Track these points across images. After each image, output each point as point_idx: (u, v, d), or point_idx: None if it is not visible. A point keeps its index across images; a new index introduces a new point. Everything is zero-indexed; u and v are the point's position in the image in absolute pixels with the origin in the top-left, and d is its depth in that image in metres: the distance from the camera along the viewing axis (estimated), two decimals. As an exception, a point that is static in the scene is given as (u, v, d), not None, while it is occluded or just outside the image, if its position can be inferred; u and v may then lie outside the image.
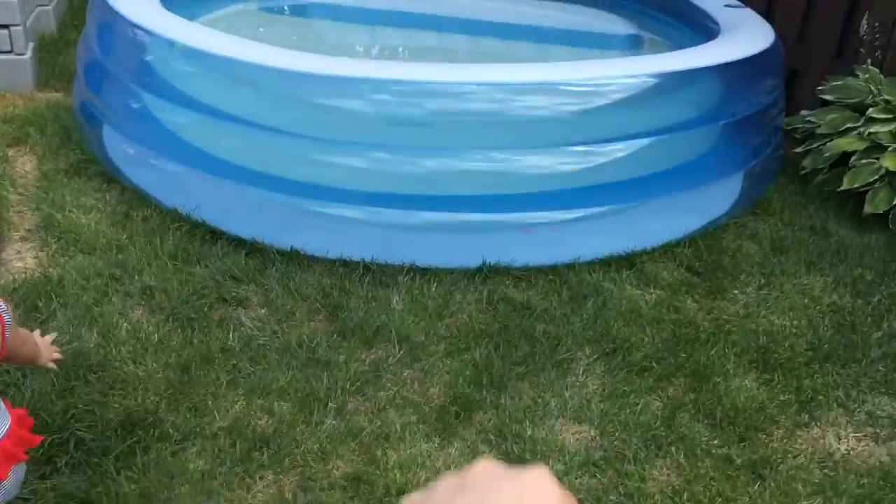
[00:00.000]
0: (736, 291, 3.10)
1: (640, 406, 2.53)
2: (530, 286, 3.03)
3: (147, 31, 3.34)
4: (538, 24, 5.37)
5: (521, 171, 3.25)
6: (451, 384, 2.55)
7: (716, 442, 2.45)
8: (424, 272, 3.02)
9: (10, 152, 3.65)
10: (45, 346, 1.95)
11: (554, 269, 3.10)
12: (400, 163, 3.21)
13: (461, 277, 3.02)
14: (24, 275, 2.88)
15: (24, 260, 2.99)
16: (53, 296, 2.75)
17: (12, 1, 4.14)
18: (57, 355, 2.00)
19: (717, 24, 4.06)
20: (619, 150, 3.28)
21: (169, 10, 3.61)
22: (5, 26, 4.18)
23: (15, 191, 3.37)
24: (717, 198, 3.56)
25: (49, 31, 4.99)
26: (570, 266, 3.11)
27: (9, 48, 4.24)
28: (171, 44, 3.29)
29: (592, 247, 3.20)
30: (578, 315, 2.88)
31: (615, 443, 2.41)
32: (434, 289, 2.95)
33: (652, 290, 3.06)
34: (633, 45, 5.05)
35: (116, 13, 3.44)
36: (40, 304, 2.72)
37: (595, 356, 2.72)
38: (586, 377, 2.64)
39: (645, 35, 5.05)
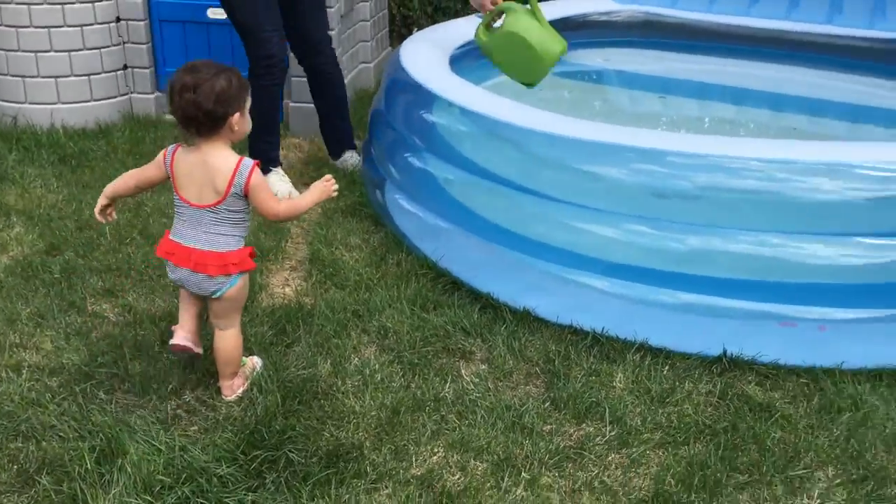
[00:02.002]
0: None
1: (883, 550, 2.13)
2: (776, 387, 2.70)
3: (425, 89, 3.55)
4: (856, 101, 4.89)
5: (797, 259, 2.95)
6: (657, 478, 2.34)
7: None
8: (657, 353, 2.83)
9: (302, 191, 4.05)
10: (314, 190, 2.60)
11: (809, 371, 2.74)
12: (659, 238, 3.06)
13: (697, 365, 2.78)
14: (283, 300, 3.17)
15: (288, 287, 3.29)
16: (301, 323, 2.99)
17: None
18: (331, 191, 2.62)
19: None
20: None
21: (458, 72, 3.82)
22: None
23: (299, 224, 3.74)
24: None
25: (367, 86, 5.53)
26: (830, 371, 2.73)
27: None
28: (448, 104, 3.46)
29: (863, 354, 2.78)
30: (827, 429, 2.51)
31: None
32: (664, 372, 2.75)
33: (932, 417, 2.59)
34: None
35: (400, 66, 3.71)
36: (289, 328, 2.97)
37: (837, 481, 2.34)
38: (821, 503, 2.28)
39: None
